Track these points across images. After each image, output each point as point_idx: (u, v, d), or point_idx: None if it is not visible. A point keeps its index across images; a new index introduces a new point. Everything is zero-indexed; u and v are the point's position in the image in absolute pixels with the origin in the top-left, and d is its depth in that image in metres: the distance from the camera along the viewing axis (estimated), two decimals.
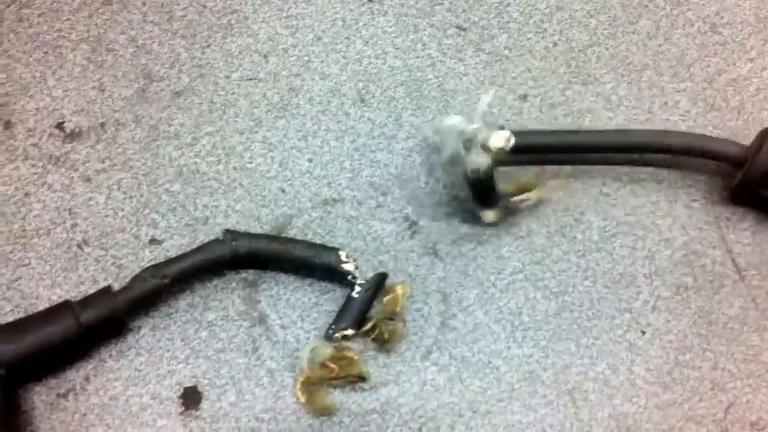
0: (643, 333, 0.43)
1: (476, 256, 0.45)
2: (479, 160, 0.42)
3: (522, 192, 0.45)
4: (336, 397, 0.41)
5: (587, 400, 0.41)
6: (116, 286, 0.42)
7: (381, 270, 0.43)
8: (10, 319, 0.41)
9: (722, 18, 0.52)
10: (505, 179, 0.44)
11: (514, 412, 0.41)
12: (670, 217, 0.46)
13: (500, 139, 0.42)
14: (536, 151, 0.46)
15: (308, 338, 0.42)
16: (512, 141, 0.42)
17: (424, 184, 0.46)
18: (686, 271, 0.45)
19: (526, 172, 0.45)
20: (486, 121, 0.43)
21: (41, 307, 0.41)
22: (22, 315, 0.41)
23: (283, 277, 0.43)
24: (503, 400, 0.41)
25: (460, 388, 0.42)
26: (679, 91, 0.50)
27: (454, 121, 0.43)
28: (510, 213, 0.45)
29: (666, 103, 0.49)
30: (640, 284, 0.45)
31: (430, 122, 0.47)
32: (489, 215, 0.45)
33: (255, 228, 0.44)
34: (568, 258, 0.45)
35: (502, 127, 0.43)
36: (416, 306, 0.43)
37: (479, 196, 0.44)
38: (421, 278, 0.44)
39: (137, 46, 0.48)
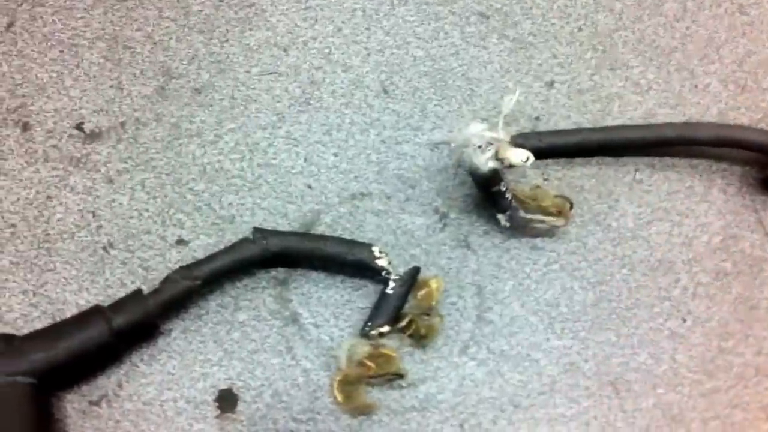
0: (684, 321, 0.43)
1: (509, 247, 0.44)
2: (481, 161, 0.41)
3: (541, 211, 0.44)
4: (374, 395, 0.40)
5: (630, 390, 0.40)
6: (145, 289, 0.41)
7: (413, 264, 0.43)
8: (38, 325, 0.40)
9: None
10: (536, 194, 0.43)
11: (557, 405, 0.40)
12: (706, 202, 0.46)
13: (518, 158, 0.41)
14: (560, 153, 0.46)
15: (342, 336, 0.41)
16: (531, 160, 0.41)
17: (453, 175, 0.45)
18: (725, 257, 0.44)
19: (555, 196, 0.44)
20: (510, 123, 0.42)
21: (69, 313, 0.40)
22: (50, 321, 0.40)
23: (314, 274, 0.43)
24: (545, 393, 0.40)
25: (500, 383, 0.41)
26: (708, 74, 0.49)
27: (476, 129, 0.42)
28: (519, 227, 0.44)
29: (696, 86, 0.49)
30: (679, 271, 0.44)
31: (451, 133, 0.46)
32: (500, 218, 0.44)
33: (283, 225, 0.44)
34: (603, 247, 0.44)
35: (521, 146, 0.42)
36: (451, 300, 0.43)
37: (486, 197, 0.43)
38: (455, 272, 0.43)
39: (154, 43, 0.47)
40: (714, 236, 0.45)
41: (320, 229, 0.44)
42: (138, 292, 0.39)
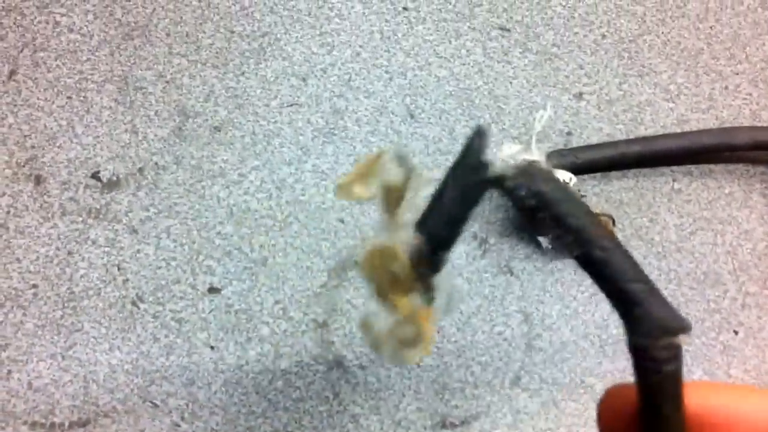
0: (736, 333, 0.42)
1: (553, 270, 0.43)
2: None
3: None
4: None
5: None
6: (179, 342, 0.40)
7: (457, 295, 0.41)
8: (70, 391, 0.38)
9: None
10: None
11: None
12: (747, 208, 0.45)
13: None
14: (597, 168, 0.45)
15: (389, 376, 0.40)
16: (573, 181, 0.40)
17: (489, 199, 0.44)
18: None
19: (596, 214, 0.43)
20: (542, 140, 0.42)
21: (102, 374, 0.39)
22: (82, 385, 0.39)
23: (355, 314, 0.41)
24: None
25: (555, 413, 0.40)
26: (737, 74, 0.48)
27: (511, 151, 0.41)
28: (562, 249, 0.43)
29: (726, 87, 0.48)
30: (726, 282, 0.43)
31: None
32: (542, 241, 0.43)
33: (317, 264, 0.42)
34: (648, 261, 0.43)
35: (558, 165, 0.42)
36: (498, 329, 0.41)
37: (526, 220, 0.43)
38: (499, 299, 0.42)
39: (167, 82, 0.45)
40: (758, 243, 0.44)
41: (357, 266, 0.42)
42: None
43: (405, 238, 0.18)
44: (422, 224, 0.18)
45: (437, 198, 0.18)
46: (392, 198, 0.19)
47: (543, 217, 0.18)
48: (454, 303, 0.19)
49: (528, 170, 0.18)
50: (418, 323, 0.19)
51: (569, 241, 0.18)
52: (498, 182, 0.18)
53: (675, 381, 0.18)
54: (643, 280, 0.18)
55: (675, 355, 0.18)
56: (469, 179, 0.18)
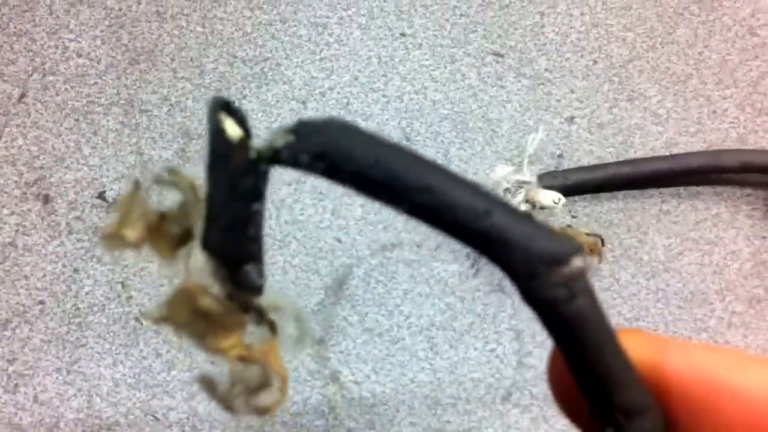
0: None
1: None
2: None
3: None
4: None
5: None
6: (180, 357, 0.41)
7: (449, 313, 0.43)
8: (74, 404, 0.40)
9: (758, 20, 0.52)
10: (568, 233, 0.44)
11: None
12: (734, 228, 0.47)
13: (549, 200, 0.42)
14: (588, 190, 0.46)
15: (384, 391, 0.42)
16: (562, 202, 0.42)
17: None
18: (757, 283, 0.45)
19: (586, 234, 0.45)
20: (534, 162, 0.43)
21: (105, 389, 0.41)
22: (86, 399, 0.40)
23: (351, 330, 0.43)
24: None
25: (545, 429, 0.41)
26: (725, 98, 0.50)
27: (503, 172, 0.43)
28: None
29: (714, 111, 0.50)
30: (713, 301, 0.45)
31: (477, 177, 0.47)
32: None
33: (315, 281, 0.44)
34: (637, 281, 0.45)
35: (549, 186, 0.43)
36: (490, 346, 0.43)
37: None
38: (491, 317, 0.44)
39: (171, 105, 0.47)
40: (744, 263, 0.46)
41: (353, 283, 0.44)
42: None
43: (204, 269, 0.15)
44: (206, 240, 0.15)
45: (208, 205, 0.15)
46: (173, 229, 0.15)
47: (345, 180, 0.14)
48: (305, 328, 0.16)
49: (303, 127, 0.14)
50: (262, 361, 0.16)
51: (386, 201, 0.14)
52: (270, 158, 0.14)
53: (590, 321, 0.14)
54: (497, 209, 0.13)
55: (574, 288, 0.14)
56: (230, 167, 0.14)
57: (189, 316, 0.15)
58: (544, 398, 0.42)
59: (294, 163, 0.14)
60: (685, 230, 0.46)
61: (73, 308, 0.43)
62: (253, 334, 0.15)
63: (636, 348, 0.14)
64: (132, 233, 0.15)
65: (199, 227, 0.14)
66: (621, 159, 0.48)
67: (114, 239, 0.15)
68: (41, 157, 0.46)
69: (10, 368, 0.41)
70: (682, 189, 0.47)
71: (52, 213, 0.44)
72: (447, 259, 0.45)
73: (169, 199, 0.15)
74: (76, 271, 0.43)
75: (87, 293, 0.43)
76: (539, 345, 0.43)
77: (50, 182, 0.45)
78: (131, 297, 0.43)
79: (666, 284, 0.45)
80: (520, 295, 0.14)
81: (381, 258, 0.45)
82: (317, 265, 0.44)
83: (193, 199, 0.15)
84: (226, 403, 0.15)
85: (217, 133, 0.14)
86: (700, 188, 0.48)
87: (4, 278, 0.43)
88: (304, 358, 0.42)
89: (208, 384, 0.15)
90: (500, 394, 0.42)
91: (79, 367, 0.41)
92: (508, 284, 0.44)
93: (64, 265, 0.43)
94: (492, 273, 0.45)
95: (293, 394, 0.41)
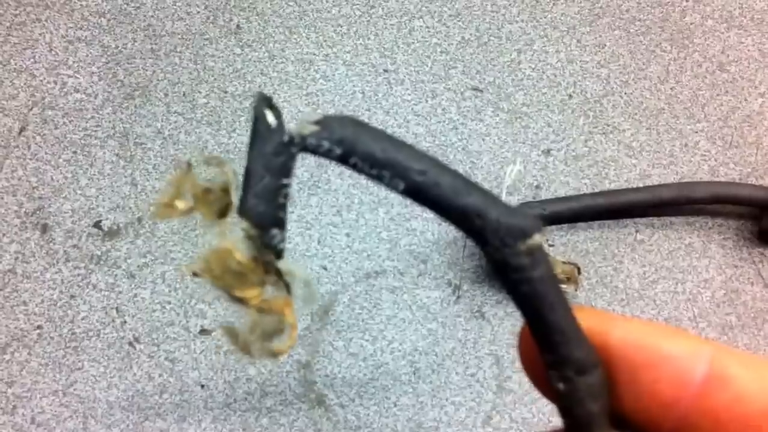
0: None
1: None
2: None
3: None
4: None
5: None
6: (172, 381, 0.44)
7: (431, 338, 0.46)
8: (70, 426, 0.42)
9: (728, 56, 0.56)
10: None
11: None
12: (706, 258, 0.50)
13: None
14: (564, 220, 0.49)
15: (368, 414, 0.44)
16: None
17: (463, 247, 0.49)
18: (729, 310, 0.48)
19: (563, 263, 0.47)
20: (512, 193, 0.46)
21: (100, 411, 0.43)
22: (81, 420, 0.43)
23: (336, 355, 0.46)
24: None
25: None
26: (696, 132, 0.53)
27: None
28: None
29: (686, 144, 0.53)
30: (686, 328, 0.47)
31: None
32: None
33: (301, 308, 0.47)
34: (612, 308, 0.48)
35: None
36: (470, 371, 0.46)
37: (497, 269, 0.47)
38: (472, 342, 0.46)
39: (164, 138, 0.50)
40: (717, 291, 0.49)
41: (339, 310, 0.47)
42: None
43: (237, 237, 0.18)
44: (242, 207, 0.18)
45: (246, 176, 0.18)
46: (215, 202, 0.19)
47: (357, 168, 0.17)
48: (313, 291, 0.19)
49: (326, 120, 0.17)
50: (278, 311, 0.19)
51: (388, 181, 0.17)
52: (299, 142, 0.17)
53: (548, 285, 0.17)
54: (478, 191, 0.17)
55: (537, 258, 0.17)
56: (267, 147, 0.17)
57: (222, 271, 0.18)
58: (523, 422, 0.44)
59: (317, 147, 0.17)
60: (658, 259, 0.49)
61: (70, 333, 0.45)
62: (271, 291, 0.18)
63: (586, 319, 0.18)
64: (182, 204, 0.19)
65: (235, 202, 0.18)
66: (596, 190, 0.51)
67: (166, 208, 0.19)
68: (40, 188, 0.49)
69: (9, 390, 0.44)
70: (655, 219, 0.51)
71: (51, 241, 0.47)
72: (429, 286, 0.48)
73: (213, 178, 0.18)
74: (72, 297, 0.46)
75: (83, 319, 0.46)
76: (518, 370, 0.46)
77: (49, 212, 0.48)
78: (125, 322, 0.46)
79: (640, 311, 0.48)
80: (492, 262, 0.17)
81: (365, 285, 0.48)
82: None
83: (231, 180, 0.18)
84: (245, 348, 0.19)
85: (258, 119, 0.17)
86: (673, 218, 0.51)
87: (4, 304, 0.45)
88: (291, 382, 0.45)
89: (230, 332, 0.19)
90: (481, 418, 0.45)
91: (75, 389, 0.44)
92: (488, 311, 0.47)
93: (61, 292, 0.46)
94: (472, 300, 0.47)
95: (280, 417, 0.44)
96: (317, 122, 0.17)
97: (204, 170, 0.18)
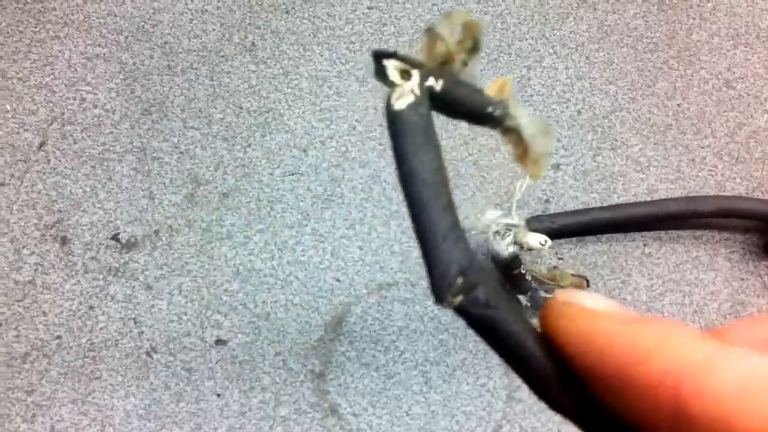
0: None
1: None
2: (501, 247, 0.46)
3: (561, 291, 0.49)
4: None
5: None
6: (188, 390, 0.45)
7: (442, 349, 0.47)
8: None
9: (734, 73, 0.58)
10: (555, 274, 0.48)
11: None
12: (713, 271, 0.51)
13: (536, 242, 0.47)
14: (572, 233, 0.51)
15: (380, 423, 0.46)
16: (548, 244, 0.47)
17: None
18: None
19: (572, 275, 0.49)
20: (522, 207, 0.48)
21: (117, 419, 0.45)
22: (99, 429, 0.44)
23: (349, 365, 0.47)
24: None
25: None
26: (703, 147, 0.55)
27: (493, 216, 0.47)
28: (540, 307, 0.49)
29: (693, 160, 0.54)
30: None
31: (468, 220, 0.51)
32: (522, 300, 0.49)
33: (315, 319, 0.48)
34: None
35: (536, 229, 0.48)
36: (481, 381, 0.47)
37: (507, 280, 0.49)
38: (482, 353, 0.48)
39: (181, 152, 0.52)
40: (723, 303, 0.50)
41: (351, 321, 0.48)
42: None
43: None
44: None
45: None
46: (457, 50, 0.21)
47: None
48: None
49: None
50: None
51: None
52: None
53: (496, 326, 0.18)
54: (435, 227, 0.18)
55: (472, 298, 0.18)
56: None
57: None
58: (533, 431, 0.46)
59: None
60: (666, 272, 0.51)
61: (88, 343, 0.47)
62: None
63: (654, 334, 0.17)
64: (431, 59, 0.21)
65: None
66: (604, 204, 0.52)
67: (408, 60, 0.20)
68: (59, 201, 0.50)
69: (29, 399, 0.45)
70: (663, 233, 0.52)
71: (70, 253, 0.49)
72: None
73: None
74: (91, 308, 0.48)
75: (101, 329, 0.47)
76: None
77: (68, 225, 0.50)
78: (142, 333, 0.47)
79: None
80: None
81: (377, 297, 0.49)
82: (317, 304, 0.49)
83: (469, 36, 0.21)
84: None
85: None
86: (680, 232, 0.52)
87: (24, 314, 0.47)
88: (305, 391, 0.46)
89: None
90: (491, 427, 0.46)
91: (94, 398, 0.46)
92: None
93: (80, 303, 0.48)
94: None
95: (294, 426, 0.45)
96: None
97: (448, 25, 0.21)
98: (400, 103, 0.18)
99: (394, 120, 0.18)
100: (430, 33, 0.20)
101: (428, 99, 0.19)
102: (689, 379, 0.16)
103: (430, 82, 0.19)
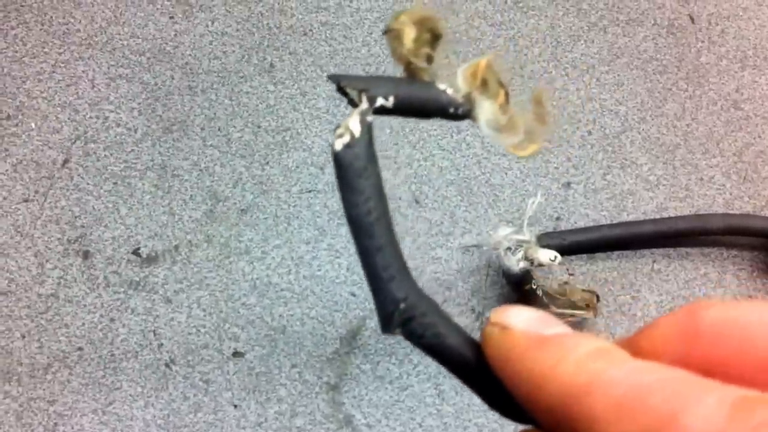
0: None
1: None
2: (512, 263, 0.48)
3: (571, 306, 0.50)
4: None
5: None
6: (206, 401, 0.47)
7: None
8: None
9: (742, 95, 0.59)
10: (565, 290, 0.50)
11: None
12: (721, 287, 0.52)
13: (546, 258, 0.48)
14: (583, 250, 0.53)
15: None
16: (558, 260, 0.48)
17: (485, 276, 0.52)
18: None
19: (582, 290, 0.50)
20: (533, 224, 0.50)
21: (137, 429, 0.46)
22: None
23: (363, 377, 0.49)
24: None
25: None
26: (711, 167, 0.57)
27: (504, 232, 0.49)
28: None
29: (701, 179, 0.56)
30: None
31: (481, 236, 0.53)
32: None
33: (330, 332, 0.50)
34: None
35: (547, 246, 0.49)
36: None
37: (518, 295, 0.50)
38: None
39: (200, 170, 0.54)
40: None
41: (366, 334, 0.50)
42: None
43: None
44: None
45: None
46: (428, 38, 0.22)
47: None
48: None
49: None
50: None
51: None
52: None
53: (444, 348, 0.20)
54: (380, 268, 0.20)
55: (411, 333, 0.20)
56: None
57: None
58: None
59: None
60: (675, 288, 0.52)
61: (109, 354, 0.49)
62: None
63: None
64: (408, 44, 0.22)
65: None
66: (614, 222, 0.54)
67: (396, 40, 0.22)
68: (82, 217, 0.52)
69: (51, 409, 0.47)
70: (672, 250, 0.54)
71: (91, 267, 0.51)
72: (453, 313, 0.51)
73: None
74: (112, 320, 0.49)
75: (122, 341, 0.49)
76: None
77: (90, 239, 0.52)
78: (162, 345, 0.49)
79: None
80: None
81: None
82: (333, 317, 0.50)
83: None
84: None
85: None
86: (689, 249, 0.54)
87: (47, 326, 0.49)
88: (320, 402, 0.48)
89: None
90: None
91: (114, 408, 0.47)
92: None
93: (101, 315, 0.50)
94: None
95: None
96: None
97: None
98: (338, 144, 0.20)
99: (334, 161, 0.20)
100: (387, 35, 0.22)
101: (368, 133, 0.21)
102: (573, 402, 0.17)
103: (380, 102, 0.21)
